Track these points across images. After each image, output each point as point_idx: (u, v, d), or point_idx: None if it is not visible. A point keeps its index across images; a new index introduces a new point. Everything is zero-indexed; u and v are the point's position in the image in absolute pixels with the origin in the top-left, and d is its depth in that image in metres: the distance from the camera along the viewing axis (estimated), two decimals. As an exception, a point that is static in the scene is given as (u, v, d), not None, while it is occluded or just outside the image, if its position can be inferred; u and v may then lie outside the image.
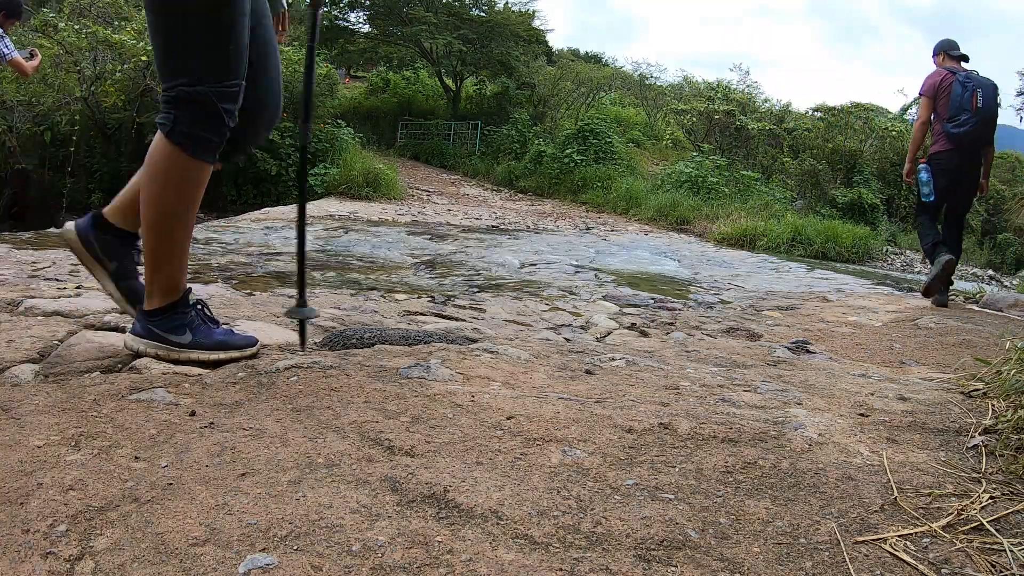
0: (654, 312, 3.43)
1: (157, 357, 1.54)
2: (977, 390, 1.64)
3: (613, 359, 1.90)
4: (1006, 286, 9.76)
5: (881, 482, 1.07)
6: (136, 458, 1.03)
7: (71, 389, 1.32)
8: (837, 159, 14.98)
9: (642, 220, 12.51)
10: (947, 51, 4.49)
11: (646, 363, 1.87)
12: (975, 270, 11.62)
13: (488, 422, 1.25)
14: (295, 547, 0.81)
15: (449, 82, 20.58)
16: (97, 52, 10.54)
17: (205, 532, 0.83)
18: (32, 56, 5.30)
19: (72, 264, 3.25)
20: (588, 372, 1.70)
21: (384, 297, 3.29)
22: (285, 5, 1.89)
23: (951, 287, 4.57)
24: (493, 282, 4.18)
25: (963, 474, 1.13)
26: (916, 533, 0.92)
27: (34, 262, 3.19)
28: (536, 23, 20.03)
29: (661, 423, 1.28)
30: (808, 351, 2.50)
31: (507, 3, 19.49)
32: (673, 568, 0.82)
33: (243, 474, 0.99)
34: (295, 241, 1.68)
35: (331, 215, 8.77)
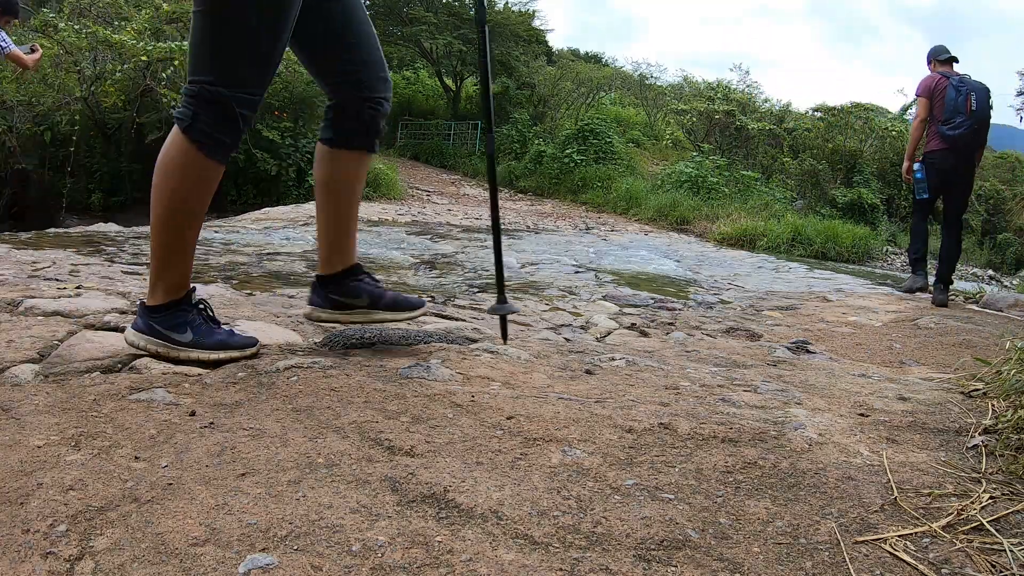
0: (654, 312, 3.43)
1: (157, 355, 1.54)
2: (977, 390, 1.64)
3: (613, 359, 1.90)
4: (1006, 286, 9.76)
5: (881, 482, 1.07)
6: (136, 458, 1.03)
7: (71, 389, 1.32)
8: (837, 159, 14.98)
9: (642, 220, 12.51)
10: (937, 57, 4.70)
11: (646, 363, 1.87)
12: (975, 270, 11.63)
13: (488, 422, 1.25)
14: (295, 547, 0.81)
15: (449, 82, 20.58)
16: (97, 52, 10.54)
17: (205, 532, 0.83)
18: (33, 51, 5.30)
19: (72, 264, 3.25)
20: (588, 372, 1.70)
21: (384, 297, 3.29)
22: None
23: (951, 286, 4.60)
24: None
25: (963, 474, 1.13)
26: (916, 533, 0.92)
27: (34, 262, 3.19)
28: (536, 23, 20.04)
29: (661, 423, 1.28)
30: (808, 351, 2.50)
31: (507, 3, 19.49)
32: (673, 568, 0.82)
33: (243, 474, 0.99)
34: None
35: (331, 215, 8.76)
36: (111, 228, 5.89)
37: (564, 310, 3.21)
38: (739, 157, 15.76)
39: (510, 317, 1.55)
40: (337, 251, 1.78)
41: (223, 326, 1.66)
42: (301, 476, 0.99)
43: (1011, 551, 0.87)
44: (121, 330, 1.79)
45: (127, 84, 10.71)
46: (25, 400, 1.25)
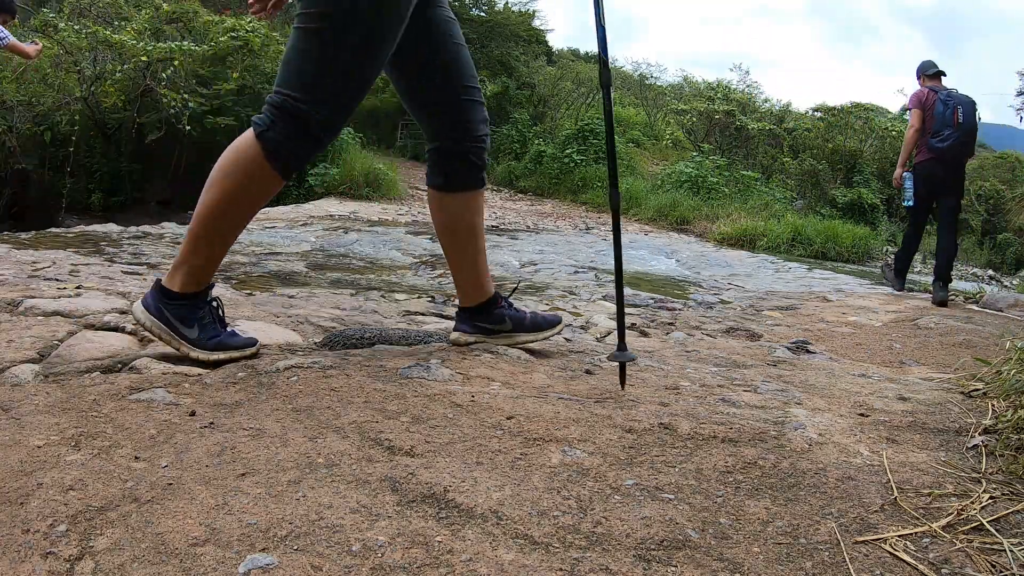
0: (654, 312, 3.43)
1: (158, 338, 1.53)
2: (977, 390, 1.64)
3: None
4: (1006, 286, 9.76)
5: (881, 482, 1.07)
6: (136, 458, 1.03)
7: (71, 389, 1.32)
8: (837, 159, 14.98)
9: (642, 220, 12.51)
10: (925, 72, 4.98)
11: (646, 363, 1.87)
12: (975, 270, 11.63)
13: (488, 422, 1.24)
14: (295, 547, 0.81)
15: (449, 82, 20.55)
16: (97, 52, 10.54)
17: (205, 532, 0.83)
18: (34, 44, 5.33)
19: (72, 264, 3.25)
20: (588, 372, 1.70)
21: (384, 297, 3.29)
22: None
23: (950, 284, 4.65)
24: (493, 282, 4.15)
25: (963, 474, 1.13)
26: (916, 533, 0.92)
27: (34, 262, 3.19)
28: (536, 23, 20.05)
29: (661, 423, 1.28)
30: (808, 351, 2.50)
31: (507, 3, 19.49)
32: (673, 568, 0.82)
33: (243, 474, 0.99)
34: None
35: (331, 215, 8.77)
36: (111, 228, 5.89)
37: (564, 310, 3.21)
38: (739, 157, 15.76)
39: (629, 366, 1.57)
40: (475, 286, 1.83)
41: (228, 327, 1.66)
42: (301, 476, 0.99)
43: (1011, 551, 0.87)
44: (121, 330, 1.79)
45: (127, 84, 10.71)
46: (25, 400, 1.25)
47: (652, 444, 1.19)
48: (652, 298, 3.96)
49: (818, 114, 16.87)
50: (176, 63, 10.53)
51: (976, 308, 4.31)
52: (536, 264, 5.50)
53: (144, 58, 10.20)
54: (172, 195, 11.64)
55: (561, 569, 0.80)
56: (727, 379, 1.75)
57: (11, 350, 1.53)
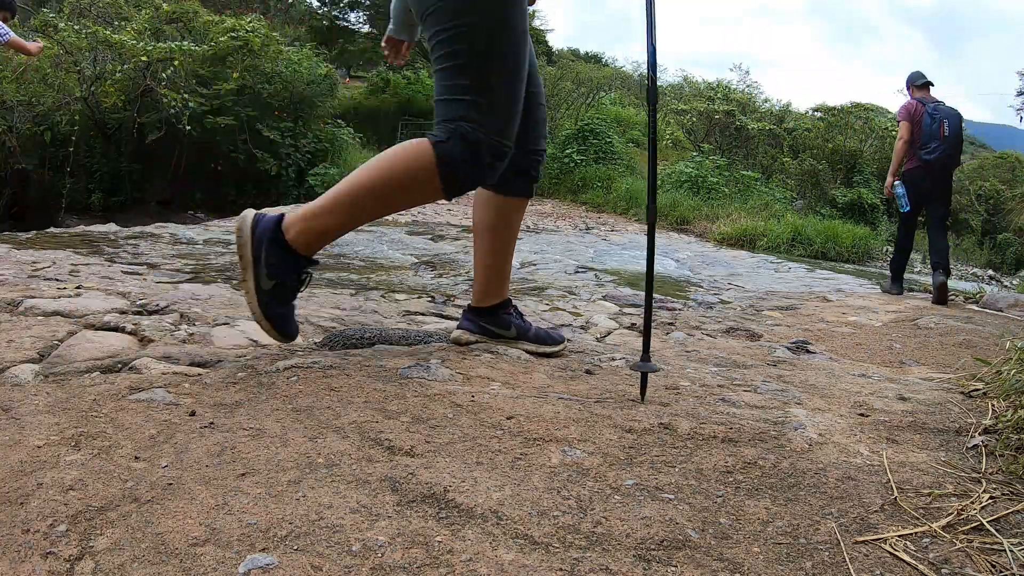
0: (654, 312, 3.43)
1: (253, 280, 1.52)
2: (977, 390, 1.64)
3: (613, 359, 1.90)
4: (1006, 286, 9.76)
5: (881, 482, 1.07)
6: (136, 458, 1.03)
7: (71, 389, 1.32)
8: (837, 159, 14.98)
9: (642, 220, 12.50)
10: (914, 83, 5.19)
11: (646, 363, 1.87)
12: (975, 270, 11.63)
13: (488, 422, 1.25)
14: (295, 547, 0.81)
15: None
16: (97, 52, 10.55)
17: (205, 532, 0.83)
18: (35, 42, 5.35)
19: (72, 264, 3.25)
20: (588, 372, 1.70)
21: (384, 297, 3.29)
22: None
23: (950, 276, 4.71)
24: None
25: (963, 474, 1.13)
26: (916, 533, 0.92)
27: (34, 262, 3.19)
28: (536, 23, 20.07)
29: (661, 423, 1.28)
30: (808, 351, 2.50)
31: (507, 3, 19.48)
32: (673, 568, 0.82)
33: (243, 474, 0.99)
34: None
35: (331, 215, 8.76)
36: (111, 228, 5.89)
37: (564, 310, 3.21)
38: (739, 157, 15.77)
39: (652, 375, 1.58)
40: (494, 288, 1.83)
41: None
42: (301, 476, 0.99)
43: (1011, 551, 0.87)
44: (121, 330, 1.79)
45: (127, 84, 10.71)
46: (25, 400, 1.24)
47: (652, 444, 1.19)
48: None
49: (818, 114, 16.88)
50: (176, 63, 10.54)
51: (976, 308, 4.32)
52: (536, 264, 5.49)
53: (144, 58, 10.20)
54: (172, 195, 11.65)
55: (561, 569, 0.80)
56: (727, 379, 1.75)
57: (11, 350, 1.53)
